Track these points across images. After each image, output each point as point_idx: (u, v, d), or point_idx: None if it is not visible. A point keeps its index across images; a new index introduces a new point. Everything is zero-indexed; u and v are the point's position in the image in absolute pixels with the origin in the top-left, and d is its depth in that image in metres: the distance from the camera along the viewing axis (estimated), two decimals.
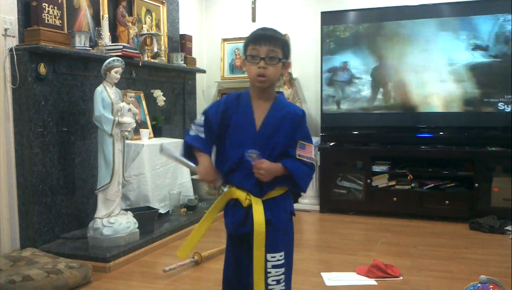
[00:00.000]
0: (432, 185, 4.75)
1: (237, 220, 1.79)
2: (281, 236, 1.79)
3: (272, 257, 1.76)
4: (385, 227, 4.44)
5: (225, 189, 1.84)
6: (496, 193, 4.48)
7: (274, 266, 1.76)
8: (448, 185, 4.70)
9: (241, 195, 1.76)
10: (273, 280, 1.76)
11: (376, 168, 4.89)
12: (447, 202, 4.64)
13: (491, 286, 2.16)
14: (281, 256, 1.77)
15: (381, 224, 4.55)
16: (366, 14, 5.12)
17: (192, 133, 1.80)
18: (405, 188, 4.80)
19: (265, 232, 1.71)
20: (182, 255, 1.90)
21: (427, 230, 4.32)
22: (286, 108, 1.82)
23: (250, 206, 1.75)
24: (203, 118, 1.82)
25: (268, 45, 1.74)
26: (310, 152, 1.79)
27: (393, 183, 4.85)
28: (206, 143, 1.79)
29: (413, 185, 4.80)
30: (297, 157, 1.76)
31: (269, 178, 1.73)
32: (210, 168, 1.77)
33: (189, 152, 1.81)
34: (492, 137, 4.69)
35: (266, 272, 1.75)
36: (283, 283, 1.78)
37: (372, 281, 3.02)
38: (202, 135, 1.79)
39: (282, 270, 1.78)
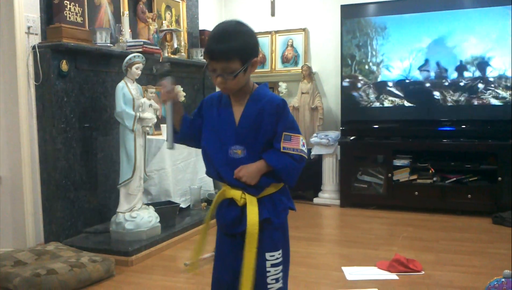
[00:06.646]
0: (455, 179, 4.69)
1: (231, 218, 1.71)
2: (279, 234, 1.73)
3: (271, 256, 1.69)
4: (407, 221, 4.41)
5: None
6: None
7: (273, 265, 1.70)
8: (470, 179, 4.64)
9: (235, 194, 1.68)
10: (272, 279, 1.70)
11: (397, 162, 4.84)
12: (469, 196, 4.58)
13: None
14: (279, 254, 1.71)
15: (403, 219, 4.51)
16: (387, 7, 5.06)
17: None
18: (426, 182, 4.75)
19: (258, 233, 1.64)
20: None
21: (450, 224, 4.28)
22: (264, 98, 1.68)
23: (245, 205, 1.67)
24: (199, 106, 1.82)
25: (222, 62, 1.59)
26: (297, 144, 1.66)
27: (414, 177, 4.80)
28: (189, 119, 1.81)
29: (435, 179, 4.74)
30: (282, 150, 1.65)
31: (256, 179, 1.65)
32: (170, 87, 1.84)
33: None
34: None
35: (265, 271, 1.69)
36: (281, 281, 1.72)
37: (393, 276, 3.00)
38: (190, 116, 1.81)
39: (280, 268, 1.72)
